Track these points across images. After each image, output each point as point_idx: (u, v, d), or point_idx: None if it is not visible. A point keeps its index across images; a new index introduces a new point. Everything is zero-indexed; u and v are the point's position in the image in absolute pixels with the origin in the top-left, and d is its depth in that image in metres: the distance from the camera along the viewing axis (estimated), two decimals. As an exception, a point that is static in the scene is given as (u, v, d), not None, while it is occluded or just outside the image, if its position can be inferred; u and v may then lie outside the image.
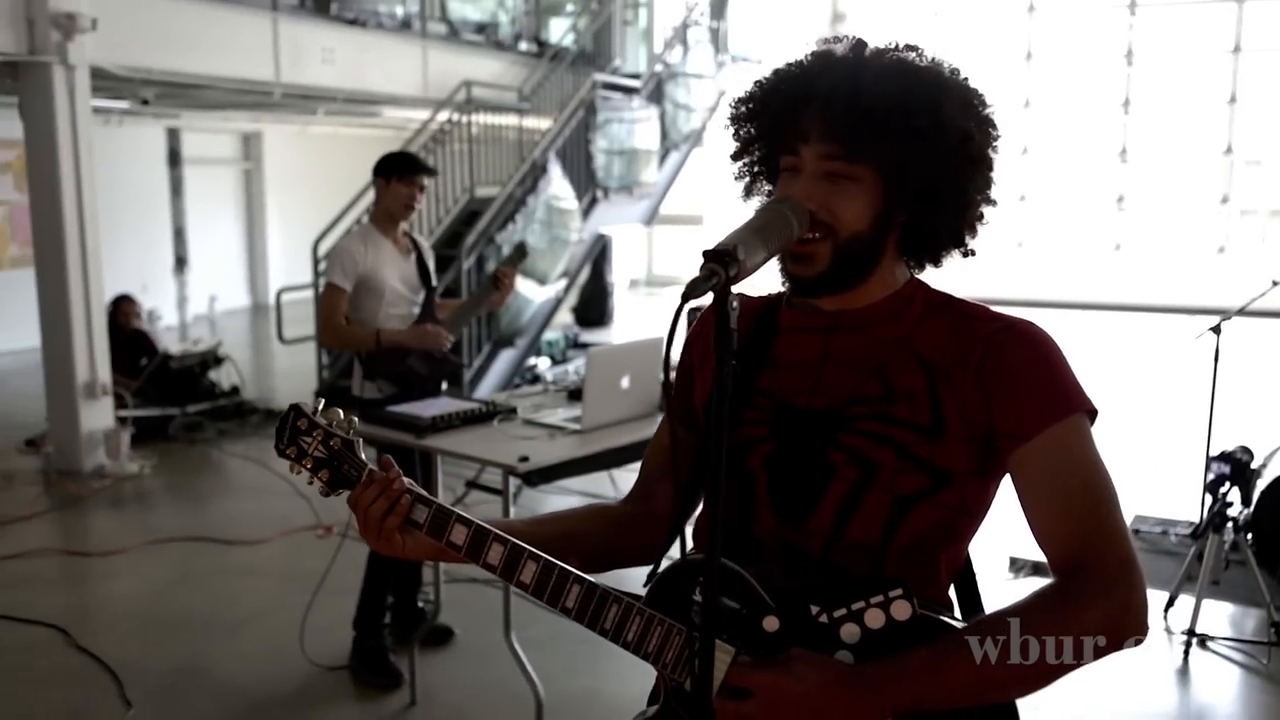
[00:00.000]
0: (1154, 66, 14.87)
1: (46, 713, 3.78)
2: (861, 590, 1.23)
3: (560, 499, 5.54)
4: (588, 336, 11.63)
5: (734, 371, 1.15)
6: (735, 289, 1.15)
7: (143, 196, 13.21)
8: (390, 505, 1.37)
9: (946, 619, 1.25)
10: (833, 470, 1.29)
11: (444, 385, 4.20)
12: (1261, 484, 4.70)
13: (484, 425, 3.64)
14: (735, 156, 1.41)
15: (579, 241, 9.53)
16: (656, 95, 11.05)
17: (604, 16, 12.71)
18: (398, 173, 4.04)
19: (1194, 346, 5.10)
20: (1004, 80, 15.40)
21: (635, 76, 11.51)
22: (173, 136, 13.70)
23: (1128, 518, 5.51)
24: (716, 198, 14.44)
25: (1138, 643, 1.20)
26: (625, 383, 3.61)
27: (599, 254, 12.16)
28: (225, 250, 15.17)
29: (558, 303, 9.46)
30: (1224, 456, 4.50)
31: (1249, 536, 4.49)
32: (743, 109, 1.37)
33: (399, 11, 10.22)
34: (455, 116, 9.45)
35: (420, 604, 4.31)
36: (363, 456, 1.44)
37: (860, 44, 1.33)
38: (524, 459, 3.22)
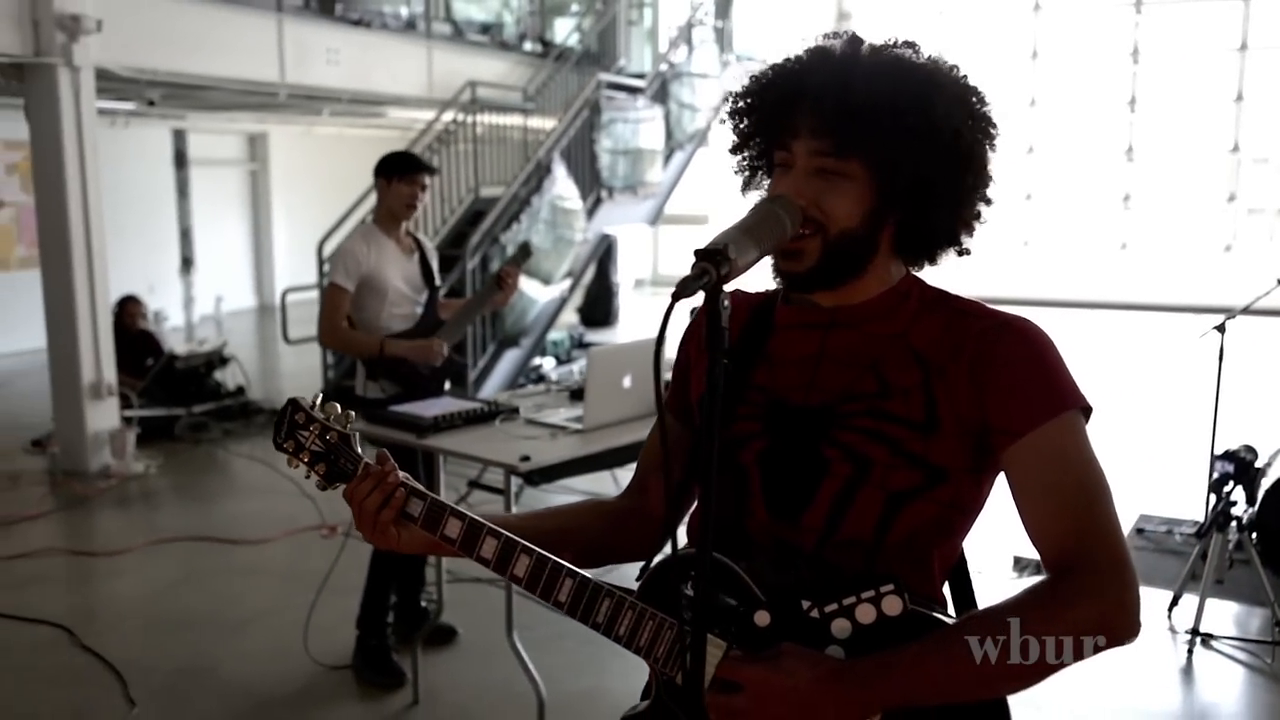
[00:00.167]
0: (1160, 65, 14.85)
1: (51, 712, 3.79)
2: (853, 585, 1.23)
3: (562, 498, 5.51)
4: (593, 336, 11.63)
5: (727, 369, 1.15)
6: (728, 287, 1.16)
7: (149, 197, 13.24)
8: (385, 499, 1.39)
9: (938, 615, 1.25)
10: (826, 466, 1.29)
11: (447, 385, 4.21)
12: (1266, 483, 4.69)
13: (486, 425, 3.65)
14: (733, 151, 1.41)
15: (583, 241, 9.53)
16: (661, 95, 11.06)
17: (609, 16, 12.72)
18: (399, 173, 4.04)
19: (1199, 345, 5.10)
20: (1009, 79, 15.39)
21: (640, 76, 11.51)
22: (179, 138, 13.74)
23: (1133, 517, 5.55)
24: (721, 197, 14.43)
25: (1129, 641, 1.19)
26: (627, 382, 3.62)
27: (604, 254, 12.18)
28: (231, 251, 15.20)
29: (562, 303, 9.47)
30: (1228, 455, 4.50)
31: (1253, 536, 4.47)
32: (739, 104, 1.37)
33: (403, 12, 10.23)
34: (460, 117, 9.46)
35: (423, 604, 4.32)
36: (359, 450, 1.45)
37: (856, 40, 1.33)
38: (525, 458, 3.22)
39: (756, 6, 13.19)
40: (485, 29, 11.52)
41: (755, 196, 1.36)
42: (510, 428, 3.63)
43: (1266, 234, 15.07)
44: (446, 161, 9.38)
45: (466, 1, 11.29)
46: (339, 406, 1.49)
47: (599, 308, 13.63)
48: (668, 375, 1.55)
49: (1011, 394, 1.25)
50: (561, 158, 9.29)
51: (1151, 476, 6.44)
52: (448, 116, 9.42)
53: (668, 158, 11.04)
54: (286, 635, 4.19)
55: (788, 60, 1.34)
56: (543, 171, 9.10)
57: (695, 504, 1.41)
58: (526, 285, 8.54)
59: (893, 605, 1.21)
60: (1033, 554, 4.37)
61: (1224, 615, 4.44)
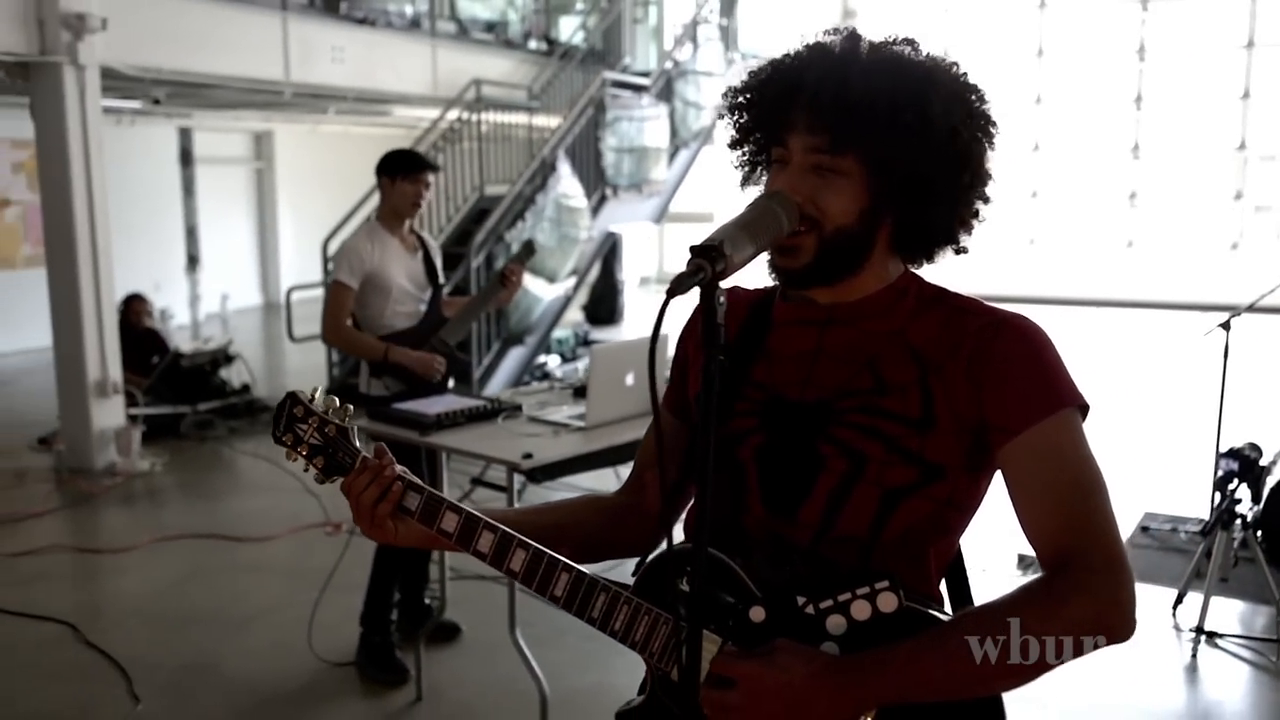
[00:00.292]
0: (1166, 62, 14.81)
1: (56, 708, 3.80)
2: (848, 582, 1.23)
3: (565, 496, 5.53)
4: (598, 334, 11.63)
5: (723, 365, 1.15)
6: (726, 283, 1.16)
7: (155, 196, 13.27)
8: (382, 492, 1.39)
9: (933, 612, 1.24)
10: (822, 462, 1.29)
11: (450, 383, 4.21)
12: (1271, 481, 4.68)
13: (489, 422, 3.65)
14: (731, 147, 1.41)
15: (588, 239, 9.54)
16: (666, 93, 11.06)
17: (614, 14, 12.72)
18: (403, 172, 4.05)
19: (1204, 343, 5.09)
20: (1015, 76, 15.36)
21: (645, 74, 11.51)
22: (184, 136, 13.77)
23: (1138, 515, 5.54)
24: (726, 195, 14.43)
25: (1125, 639, 1.19)
26: (630, 379, 3.62)
27: (609, 252, 12.18)
28: (237, 249, 15.24)
29: (567, 301, 9.48)
30: (1233, 453, 4.48)
31: (1258, 533, 4.47)
32: (737, 99, 1.37)
33: (408, 10, 10.25)
34: (465, 115, 9.47)
35: (427, 601, 4.32)
36: (357, 444, 1.46)
37: (854, 37, 1.32)
38: (528, 456, 3.23)
39: (761, 4, 13.19)
40: (490, 27, 11.54)
41: (754, 192, 1.36)
42: (513, 425, 3.63)
43: (1273, 232, 15.04)
44: (451, 160, 9.39)
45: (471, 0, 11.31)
46: (337, 400, 1.50)
47: (604, 306, 13.64)
48: (666, 371, 1.55)
49: (1008, 391, 1.24)
50: (566, 156, 9.30)
51: (1157, 474, 6.43)
52: (453, 115, 9.43)
53: (672, 156, 11.05)
54: (290, 632, 4.20)
55: (786, 56, 1.34)
56: (547, 170, 9.11)
57: (693, 500, 1.41)
58: (531, 283, 8.55)
59: (888, 602, 1.21)
60: (1035, 552, 4.29)
61: (1229, 613, 4.43)
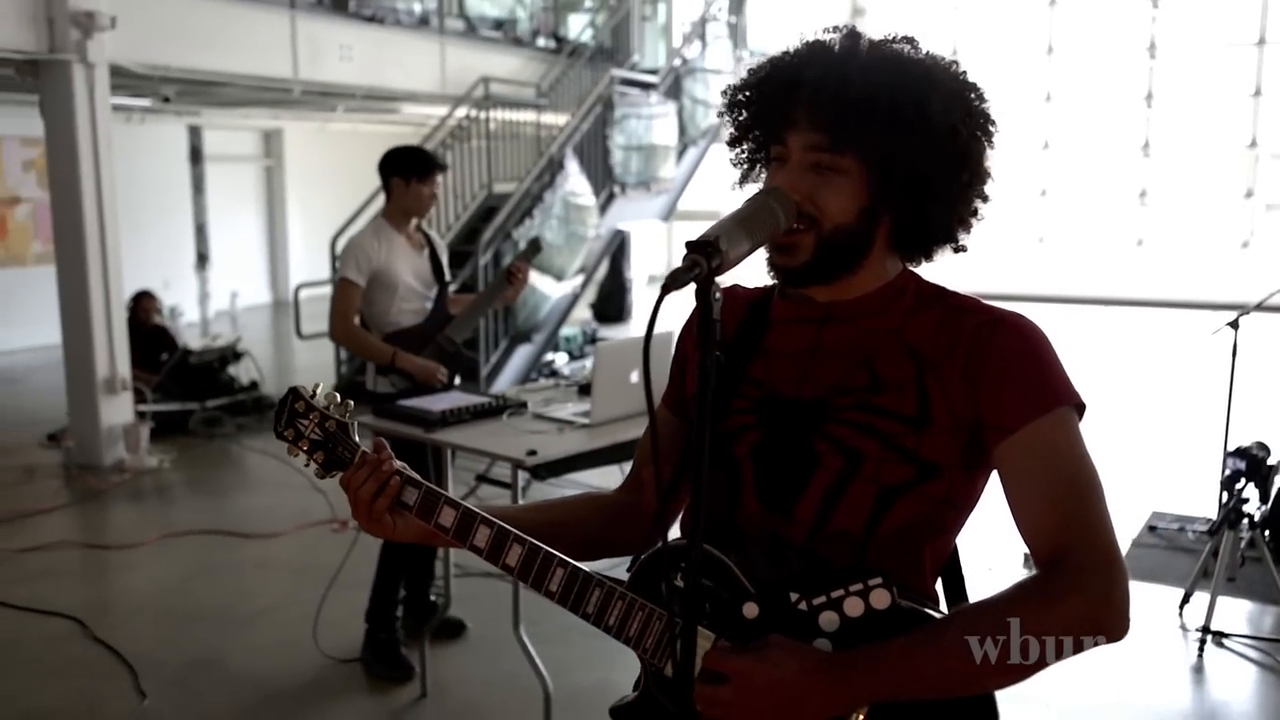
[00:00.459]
0: (1177, 59, 14.75)
1: (63, 703, 3.82)
2: (842, 579, 1.23)
3: (569, 493, 5.53)
4: (606, 332, 11.64)
5: (719, 362, 1.15)
6: (727, 283, 1.15)
7: (165, 193, 13.31)
8: (380, 486, 1.40)
9: (926, 610, 1.24)
10: (818, 459, 1.29)
11: (457, 380, 4.21)
12: (1279, 480, 4.66)
13: (493, 419, 3.66)
14: (730, 144, 1.41)
15: (596, 237, 9.54)
16: (674, 91, 11.05)
17: (622, 12, 12.72)
18: (418, 174, 4.04)
19: (1213, 341, 5.07)
20: (1025, 74, 15.31)
21: (653, 72, 11.51)
22: (194, 134, 13.80)
23: (1145, 514, 5.51)
24: (735, 193, 14.43)
25: (1118, 638, 1.18)
26: (634, 377, 3.62)
27: (617, 250, 12.18)
28: (246, 246, 15.28)
29: (575, 298, 9.48)
30: (1240, 452, 4.47)
31: (1266, 533, 4.45)
32: (736, 97, 1.37)
33: (416, 8, 10.27)
34: (473, 113, 9.48)
35: (432, 598, 4.33)
36: (356, 439, 1.46)
37: (854, 35, 1.32)
38: (532, 453, 3.23)
39: (770, 1, 13.18)
40: (498, 25, 11.55)
41: (753, 190, 1.36)
42: (518, 422, 3.63)
43: (1284, 230, 14.98)
44: (460, 157, 9.40)
45: (479, -3, 11.33)
46: (338, 395, 1.50)
47: (612, 304, 13.63)
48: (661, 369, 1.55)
49: (1004, 390, 1.24)
50: (574, 154, 9.30)
51: (1165, 473, 6.41)
52: (461, 112, 9.43)
53: (681, 153, 11.04)
54: (296, 629, 4.21)
55: (785, 54, 1.34)
56: (555, 167, 9.11)
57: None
58: (539, 281, 8.55)
59: (881, 599, 1.21)
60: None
61: (1236, 613, 4.41)
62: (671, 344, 1.55)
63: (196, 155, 13.92)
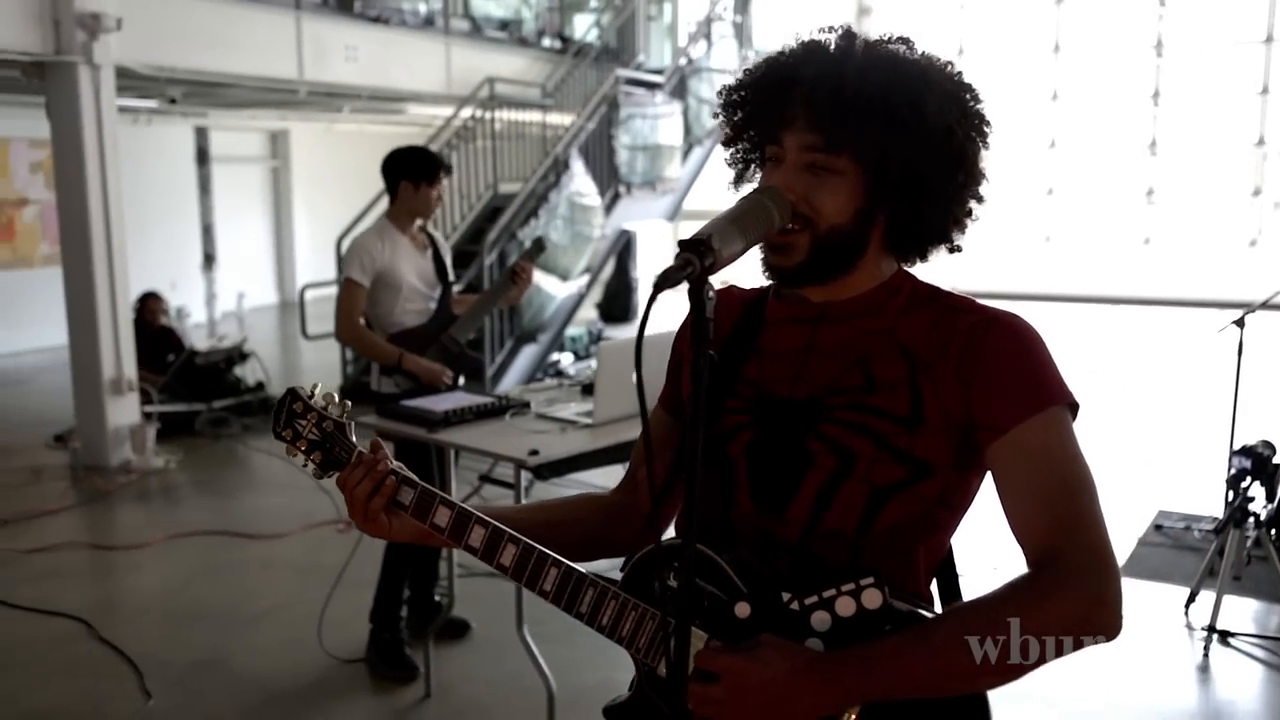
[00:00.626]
0: (1184, 57, 14.70)
1: (69, 703, 3.83)
2: (834, 578, 1.22)
3: (572, 493, 5.53)
4: (611, 332, 11.64)
5: (712, 361, 1.15)
6: (724, 283, 1.15)
7: (171, 194, 13.34)
8: (375, 486, 1.40)
9: (918, 609, 1.24)
10: (811, 459, 1.29)
11: (460, 380, 4.22)
12: (1285, 479, 4.64)
13: (496, 419, 3.65)
14: (726, 144, 1.41)
15: (602, 237, 9.54)
16: (680, 90, 11.05)
17: (627, 12, 12.72)
18: (427, 178, 4.05)
19: (1219, 340, 5.06)
20: (1032, 72, 15.28)
21: (659, 72, 11.50)
22: (201, 135, 13.84)
23: (1151, 513, 5.50)
24: (733, 193, 14.42)
25: (1111, 638, 1.17)
26: (637, 377, 3.61)
27: (623, 250, 12.19)
28: (253, 247, 15.31)
29: (580, 299, 9.48)
30: (1246, 451, 4.45)
31: (1272, 532, 4.43)
32: (732, 96, 1.37)
33: (421, 9, 10.27)
34: (478, 113, 9.48)
35: (436, 598, 4.34)
36: (353, 439, 1.47)
37: (850, 35, 1.32)
38: (534, 453, 3.23)
39: (776, 1, 13.16)
40: (504, 25, 11.56)
41: (748, 191, 1.36)
42: (520, 422, 3.63)
43: (1292, 228, 14.92)
44: (465, 158, 9.41)
45: (485, -2, 11.34)
46: (336, 396, 1.51)
47: (618, 304, 13.63)
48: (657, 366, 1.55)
49: (996, 389, 1.24)
50: (580, 154, 9.30)
51: (1171, 472, 6.40)
52: (466, 113, 9.44)
53: (686, 153, 11.03)
54: (301, 629, 4.22)
55: (781, 54, 1.33)
56: (561, 167, 9.11)
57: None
58: (544, 281, 8.56)
59: (872, 598, 1.20)
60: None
61: (1242, 612, 4.40)
62: (671, 344, 1.55)
63: (203, 156, 13.95)
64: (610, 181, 9.81)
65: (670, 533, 1.37)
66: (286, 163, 15.66)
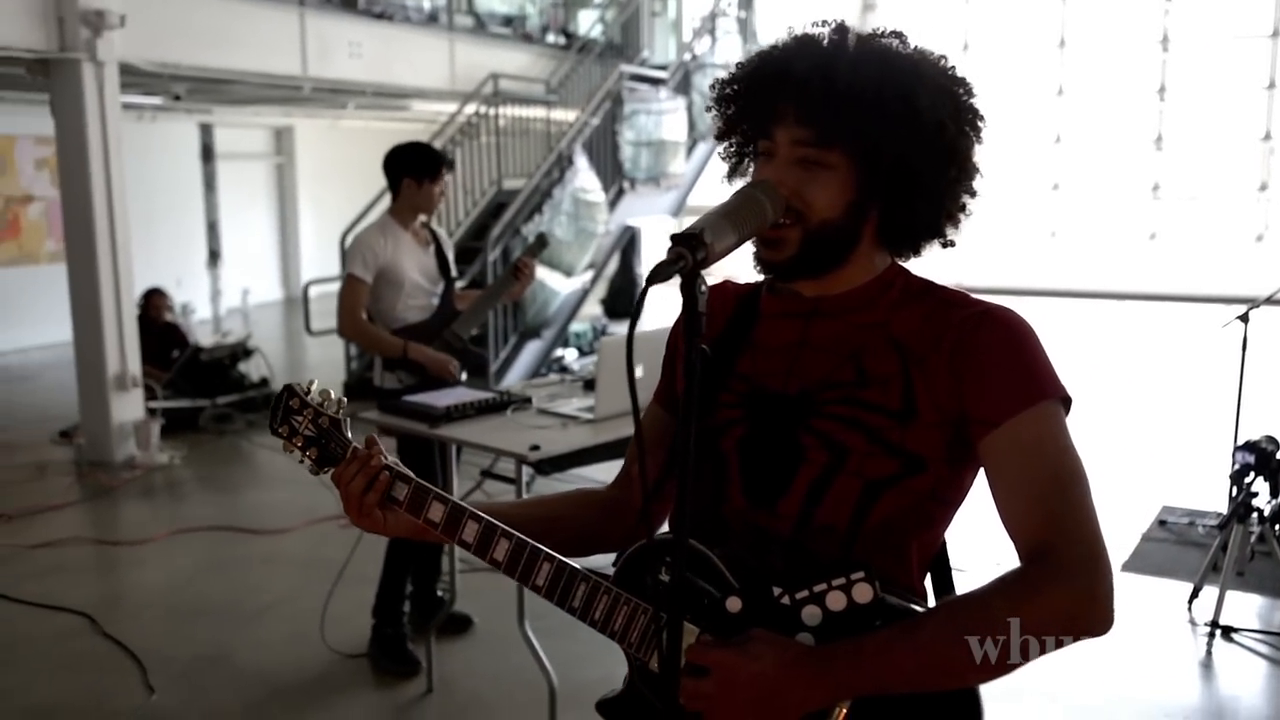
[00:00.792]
0: (1190, 52, 14.66)
1: (72, 698, 3.84)
2: (825, 573, 1.22)
3: (571, 489, 5.54)
4: (616, 328, 11.63)
5: (705, 356, 1.15)
6: (718, 278, 1.15)
7: (176, 191, 13.37)
8: (369, 482, 1.41)
9: (909, 604, 1.24)
10: (803, 453, 1.29)
11: (464, 375, 4.22)
12: (1289, 474, 4.63)
13: (498, 415, 3.66)
14: (719, 138, 1.41)
15: (606, 233, 9.54)
16: (684, 86, 11.04)
17: (632, 8, 12.71)
18: (430, 175, 4.05)
19: (1224, 335, 5.05)
20: (1037, 67, 15.24)
21: (663, 68, 11.50)
22: (205, 132, 13.86)
23: (1155, 508, 5.49)
24: (727, 187, 14.42)
25: (1101, 633, 1.17)
26: (640, 372, 3.60)
27: (628, 245, 12.18)
28: (258, 244, 15.32)
29: (584, 294, 9.48)
30: (1249, 446, 4.43)
31: (1275, 527, 4.42)
32: (725, 90, 1.37)
33: (425, 5, 10.27)
34: (482, 109, 9.48)
35: (439, 593, 4.34)
36: (349, 435, 1.47)
37: (843, 29, 1.32)
38: (535, 448, 3.23)
39: (780, -3, 13.16)
40: (508, 21, 11.55)
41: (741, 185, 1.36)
42: (522, 417, 3.63)
43: (1299, 223, 14.87)
44: (469, 154, 9.41)
45: (489, -6, 11.33)
46: (331, 392, 1.51)
47: (622, 300, 13.61)
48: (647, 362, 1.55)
49: (988, 383, 1.23)
50: (584, 149, 9.29)
51: (1176, 468, 6.38)
52: (470, 109, 9.44)
53: (690, 149, 11.03)
54: (304, 624, 4.23)
55: (774, 48, 1.33)
56: (565, 163, 9.11)
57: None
58: (548, 277, 8.56)
59: (863, 593, 1.20)
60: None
61: (1245, 608, 4.39)
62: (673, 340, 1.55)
63: (208, 153, 13.97)
64: (614, 177, 9.81)
65: (664, 528, 1.37)
66: (291, 159, 15.67)
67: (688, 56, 11.41)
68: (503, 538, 1.36)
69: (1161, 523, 5.36)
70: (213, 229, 14.08)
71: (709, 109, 1.40)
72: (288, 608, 4.55)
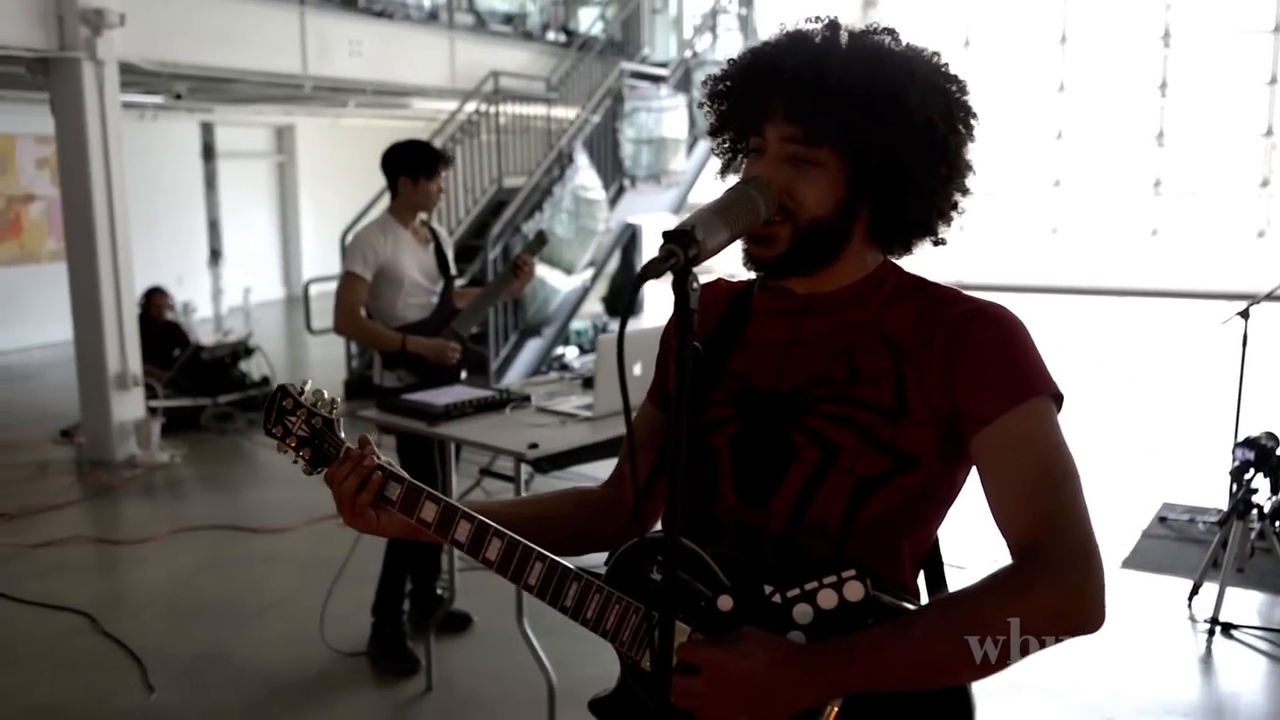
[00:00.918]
0: (1192, 48, 14.63)
1: (72, 698, 3.84)
2: (816, 571, 1.22)
3: (579, 486, 5.54)
4: (617, 326, 11.62)
5: (696, 353, 1.15)
6: (712, 275, 1.15)
7: (177, 190, 13.37)
8: (361, 482, 1.41)
9: (901, 601, 1.23)
10: (794, 451, 1.29)
11: (463, 374, 4.22)
12: (1290, 470, 4.62)
13: (497, 413, 3.66)
14: (711, 134, 1.41)
15: (606, 231, 9.54)
16: (685, 84, 11.04)
17: (632, 5, 12.70)
18: (425, 173, 4.04)
19: (1224, 331, 5.04)
20: (1039, 63, 15.22)
21: (663, 65, 11.49)
22: (206, 130, 13.86)
23: (1156, 505, 5.48)
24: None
25: (1092, 630, 1.16)
26: (638, 370, 3.60)
27: (628, 243, 12.17)
28: (259, 243, 15.32)
29: (585, 292, 9.48)
30: (1249, 443, 4.43)
31: (1275, 524, 4.41)
32: (717, 87, 1.36)
33: (426, 2, 10.26)
34: (483, 107, 9.48)
35: (438, 591, 4.34)
36: (341, 435, 1.47)
37: (834, 26, 1.31)
38: (533, 446, 3.23)
39: (781, -7, 13.14)
40: (508, 19, 11.55)
41: (734, 181, 1.35)
42: (521, 415, 3.63)
43: (1300, 219, 14.85)
44: (469, 152, 9.41)
45: (489, -8, 11.33)
46: (325, 392, 1.51)
47: (623, 297, 13.62)
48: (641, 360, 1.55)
49: (980, 380, 1.23)
50: (584, 147, 9.29)
51: (1178, 464, 6.38)
52: (470, 107, 9.43)
53: (691, 146, 11.02)
54: (304, 622, 4.23)
55: (765, 44, 1.33)
56: (565, 161, 9.10)
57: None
58: (549, 275, 8.56)
59: (854, 591, 1.20)
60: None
61: (1245, 604, 4.39)
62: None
63: (209, 152, 13.97)
64: (615, 175, 9.81)
65: (657, 526, 1.37)
66: (292, 158, 15.67)
67: (688, 54, 11.41)
68: (495, 537, 1.36)
69: (1162, 519, 5.36)
70: (214, 228, 14.08)
71: (700, 105, 1.40)
72: (288, 606, 4.55)
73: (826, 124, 1.23)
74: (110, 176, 6.72)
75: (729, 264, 1.35)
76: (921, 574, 1.36)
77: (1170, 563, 4.84)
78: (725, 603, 1.26)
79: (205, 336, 8.88)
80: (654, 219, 11.24)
